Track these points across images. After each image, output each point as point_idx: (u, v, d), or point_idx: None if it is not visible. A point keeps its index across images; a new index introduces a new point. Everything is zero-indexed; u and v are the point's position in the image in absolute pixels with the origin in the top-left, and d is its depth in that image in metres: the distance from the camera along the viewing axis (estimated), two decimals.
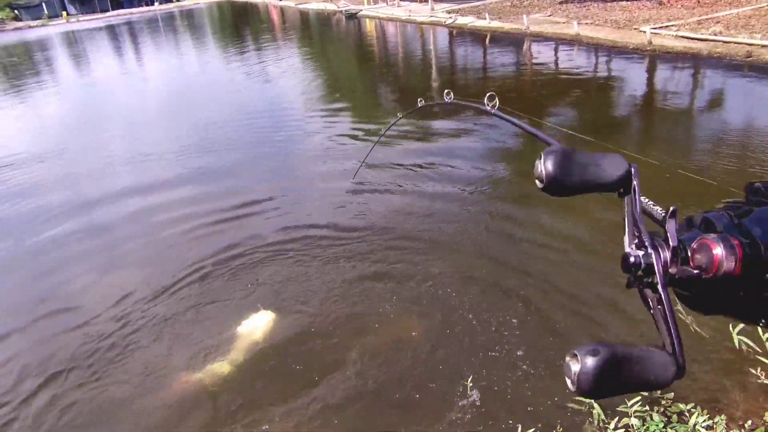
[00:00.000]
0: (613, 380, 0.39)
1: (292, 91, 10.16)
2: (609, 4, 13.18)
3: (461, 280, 3.37)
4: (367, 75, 11.54)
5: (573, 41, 10.42)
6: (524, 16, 12.45)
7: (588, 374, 0.38)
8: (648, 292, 0.44)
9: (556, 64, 9.46)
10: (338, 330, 3.07)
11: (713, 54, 7.84)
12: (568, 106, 7.06)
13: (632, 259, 0.44)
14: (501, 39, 12.21)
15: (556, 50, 10.35)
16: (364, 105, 8.74)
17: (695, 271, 0.42)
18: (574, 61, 9.36)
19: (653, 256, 0.43)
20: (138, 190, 5.70)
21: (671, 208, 0.44)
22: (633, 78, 7.92)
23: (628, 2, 12.91)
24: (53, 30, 41.89)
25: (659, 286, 0.42)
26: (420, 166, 5.38)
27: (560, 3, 14.56)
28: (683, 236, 0.45)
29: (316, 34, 20.48)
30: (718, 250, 0.40)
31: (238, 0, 48.66)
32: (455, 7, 17.33)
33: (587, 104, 7.01)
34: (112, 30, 36.94)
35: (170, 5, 53.88)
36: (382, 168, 5.43)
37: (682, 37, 8.77)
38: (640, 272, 0.44)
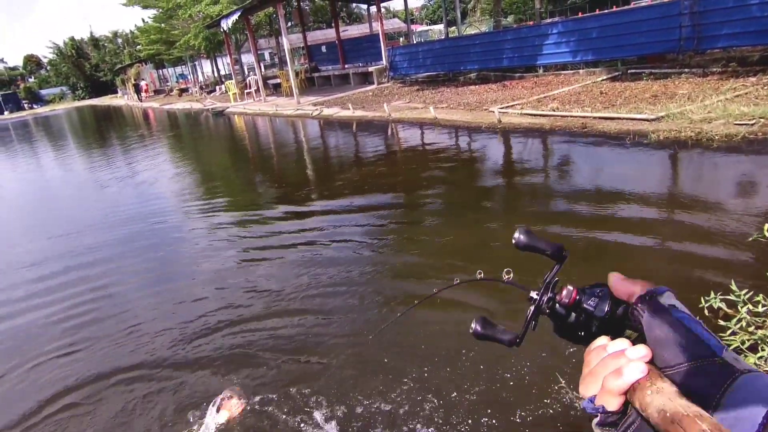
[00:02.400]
0: (488, 333, 0.71)
1: (167, 188, 9.67)
2: (460, 88, 14.21)
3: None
4: (242, 168, 11.28)
5: (432, 124, 10.92)
6: (385, 104, 12.98)
7: (477, 327, 0.70)
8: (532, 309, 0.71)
9: (420, 144, 9.78)
10: None
11: (555, 127, 8.49)
12: (438, 178, 7.16)
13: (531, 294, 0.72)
14: (367, 126, 12.54)
15: (417, 132, 10.76)
16: (242, 196, 8.46)
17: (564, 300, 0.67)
18: (436, 140, 9.73)
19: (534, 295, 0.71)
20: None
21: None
22: (489, 151, 8.32)
23: (476, 86, 14.01)
24: None
25: (531, 310, 0.71)
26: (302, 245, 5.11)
27: (417, 90, 15.49)
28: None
29: (186, 132, 19.90)
30: (564, 291, 0.67)
31: (99, 104, 46.89)
32: (321, 99, 17.81)
33: (454, 176, 7.15)
34: None
35: (23, 113, 50.64)
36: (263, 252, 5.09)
37: (526, 114, 9.49)
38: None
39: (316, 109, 15.63)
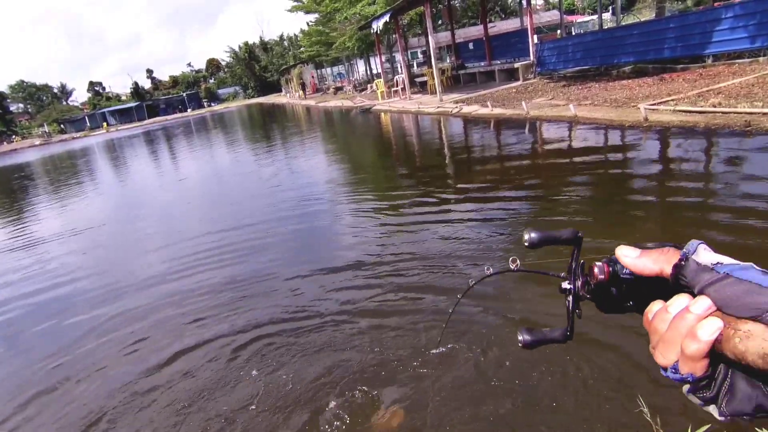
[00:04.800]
0: (538, 338, 0.69)
1: (321, 177, 10.66)
2: (610, 83, 13.17)
3: None
4: (387, 161, 11.92)
5: (571, 122, 10.30)
6: (523, 102, 12.51)
7: (525, 337, 0.69)
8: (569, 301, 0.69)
9: (551, 142, 9.29)
10: None
11: (711, 125, 7.50)
12: (554, 177, 6.79)
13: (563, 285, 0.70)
14: (502, 124, 12.23)
15: (552, 131, 10.23)
16: (386, 187, 9.04)
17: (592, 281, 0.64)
18: (569, 139, 9.19)
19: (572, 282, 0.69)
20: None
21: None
22: (622, 151, 7.62)
23: (630, 81, 12.88)
24: (94, 140, 44.95)
25: (570, 300, 0.69)
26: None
27: (563, 86, 14.68)
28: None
29: (334, 127, 21.42)
30: (595, 269, 0.63)
31: (265, 101, 51.47)
32: (463, 96, 17.72)
33: (572, 176, 6.71)
34: (148, 135, 39.54)
35: (202, 110, 57.95)
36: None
37: (680, 111, 8.51)
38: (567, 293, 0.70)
39: (456, 107, 15.58)
